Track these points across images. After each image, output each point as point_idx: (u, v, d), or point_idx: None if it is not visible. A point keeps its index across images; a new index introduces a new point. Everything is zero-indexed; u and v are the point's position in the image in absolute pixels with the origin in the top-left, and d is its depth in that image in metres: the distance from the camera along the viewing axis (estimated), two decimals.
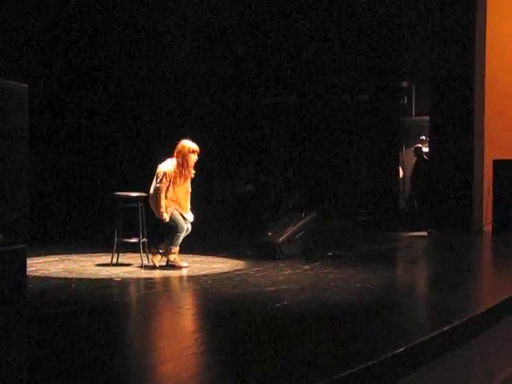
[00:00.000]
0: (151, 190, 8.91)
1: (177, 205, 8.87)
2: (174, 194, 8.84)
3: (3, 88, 5.94)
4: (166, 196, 8.77)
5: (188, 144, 8.88)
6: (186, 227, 8.94)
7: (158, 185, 8.79)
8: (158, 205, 8.78)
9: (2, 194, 5.86)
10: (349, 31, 16.54)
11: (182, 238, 8.95)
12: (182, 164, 8.82)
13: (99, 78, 14.58)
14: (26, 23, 13.22)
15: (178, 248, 8.97)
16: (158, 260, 8.94)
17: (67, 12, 14.01)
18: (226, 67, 16.44)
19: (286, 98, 17.55)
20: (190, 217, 9.01)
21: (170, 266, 8.92)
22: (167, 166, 8.84)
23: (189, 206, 9.02)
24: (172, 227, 8.91)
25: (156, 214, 8.86)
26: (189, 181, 9.00)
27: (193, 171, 8.92)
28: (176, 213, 8.85)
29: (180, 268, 8.88)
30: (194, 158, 8.85)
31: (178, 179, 8.84)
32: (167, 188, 8.78)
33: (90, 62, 14.39)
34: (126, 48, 14.86)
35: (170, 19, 15.26)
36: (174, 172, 8.80)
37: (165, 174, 8.76)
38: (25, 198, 5.99)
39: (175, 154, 8.88)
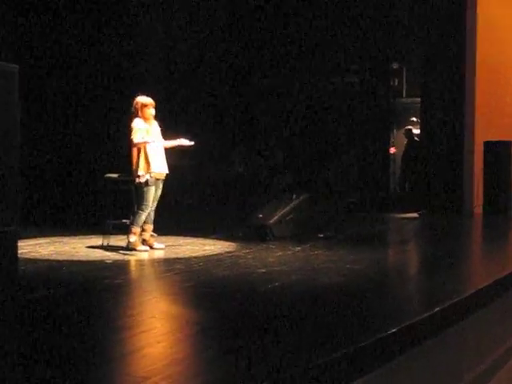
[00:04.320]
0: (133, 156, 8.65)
1: (152, 166, 8.55)
2: (149, 152, 8.56)
3: None
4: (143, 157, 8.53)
5: (140, 99, 8.70)
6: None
7: (134, 140, 8.50)
8: (143, 152, 8.53)
9: None
10: (340, 13, 16.50)
11: (143, 218, 8.62)
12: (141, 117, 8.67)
13: (89, 62, 14.46)
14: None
15: (139, 229, 8.67)
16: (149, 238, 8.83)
17: None
18: (219, 49, 16.37)
19: (277, 80, 17.51)
20: (165, 168, 8.73)
21: (128, 248, 8.61)
22: (134, 124, 8.60)
23: (164, 161, 8.72)
24: (138, 201, 8.62)
25: (141, 174, 8.50)
26: (156, 134, 8.72)
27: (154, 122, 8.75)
28: (149, 188, 8.55)
29: (139, 251, 8.54)
30: (149, 111, 8.68)
31: (146, 134, 8.62)
32: (141, 148, 8.55)
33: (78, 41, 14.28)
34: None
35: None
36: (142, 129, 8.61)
37: (136, 129, 8.53)
38: (16, 179, 5.96)
39: (134, 113, 8.68)
